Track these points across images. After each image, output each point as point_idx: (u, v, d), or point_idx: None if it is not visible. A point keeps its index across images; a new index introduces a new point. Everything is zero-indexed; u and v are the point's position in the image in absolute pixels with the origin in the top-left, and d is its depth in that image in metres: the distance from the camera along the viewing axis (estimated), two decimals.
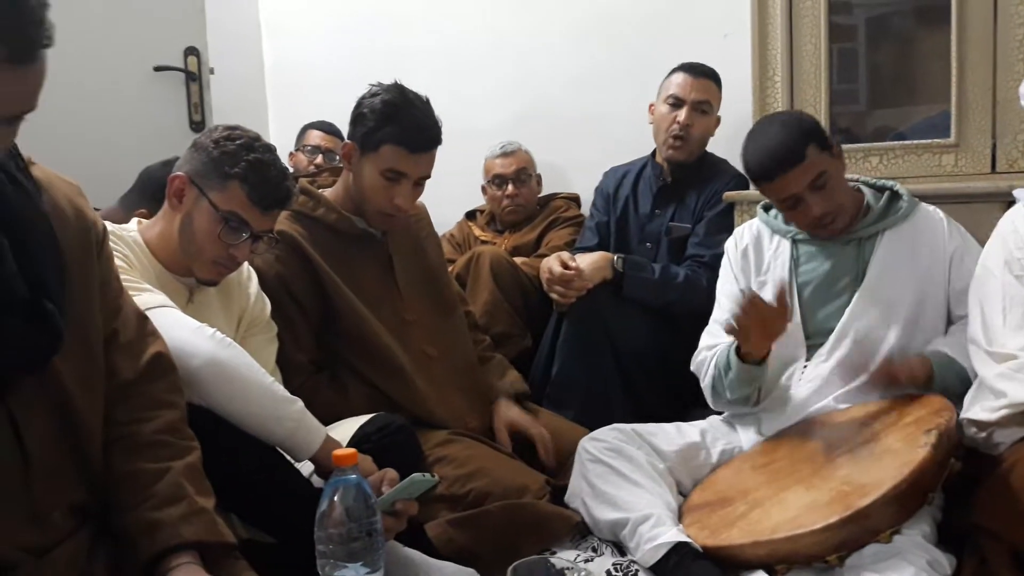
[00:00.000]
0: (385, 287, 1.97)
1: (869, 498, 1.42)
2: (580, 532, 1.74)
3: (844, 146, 2.36)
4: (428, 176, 1.91)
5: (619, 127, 2.86)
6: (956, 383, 1.66)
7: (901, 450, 1.50)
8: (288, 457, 1.46)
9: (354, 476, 1.25)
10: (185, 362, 1.34)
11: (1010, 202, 1.72)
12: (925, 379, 1.68)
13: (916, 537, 1.45)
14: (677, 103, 2.43)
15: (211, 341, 1.40)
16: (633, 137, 2.68)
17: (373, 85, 1.89)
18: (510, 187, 2.80)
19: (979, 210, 1.99)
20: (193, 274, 1.60)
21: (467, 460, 1.79)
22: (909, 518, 1.46)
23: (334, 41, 3.36)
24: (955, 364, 1.68)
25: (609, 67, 2.96)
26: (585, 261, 2.25)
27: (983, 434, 1.52)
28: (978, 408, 1.53)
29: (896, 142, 2.29)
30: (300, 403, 1.47)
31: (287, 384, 1.66)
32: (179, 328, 1.39)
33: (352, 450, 1.26)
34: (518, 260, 2.53)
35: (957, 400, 1.61)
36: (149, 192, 1.96)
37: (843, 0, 2.56)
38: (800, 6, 2.31)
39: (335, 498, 1.22)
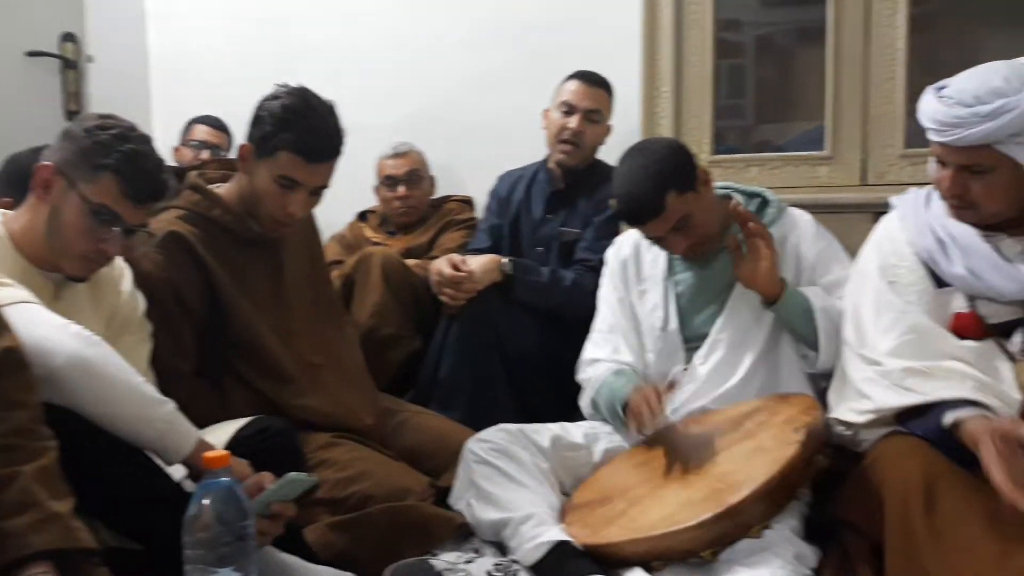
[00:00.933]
0: (274, 294, 1.92)
1: (741, 494, 1.47)
2: (463, 534, 1.73)
3: (725, 157, 2.45)
4: (325, 186, 1.84)
5: (514, 131, 2.86)
6: (799, 313, 1.77)
7: (772, 447, 1.56)
8: (159, 461, 1.41)
9: (226, 479, 1.21)
10: (47, 360, 1.28)
11: (879, 213, 1.80)
12: (774, 288, 1.78)
13: (784, 531, 1.51)
14: (570, 110, 2.47)
15: (76, 339, 1.33)
16: (528, 141, 2.70)
17: (279, 86, 1.81)
18: (402, 188, 2.77)
19: (850, 220, 2.09)
20: (61, 269, 1.52)
21: (349, 463, 1.76)
22: (779, 513, 1.52)
23: (224, 32, 3.25)
24: (803, 297, 1.78)
25: (505, 70, 2.96)
26: (475, 263, 2.25)
27: (849, 432, 1.60)
28: (845, 408, 1.61)
29: (774, 154, 2.38)
30: (172, 404, 1.42)
31: (164, 390, 1.59)
32: (40, 325, 1.32)
33: (224, 452, 1.23)
34: (410, 262, 2.51)
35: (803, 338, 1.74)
36: (15, 181, 1.85)
37: (732, 18, 2.65)
38: (689, 21, 2.38)
39: (204, 501, 1.18)
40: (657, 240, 1.88)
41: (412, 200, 2.79)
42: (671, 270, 1.96)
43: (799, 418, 1.61)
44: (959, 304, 1.57)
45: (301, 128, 1.76)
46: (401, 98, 3.07)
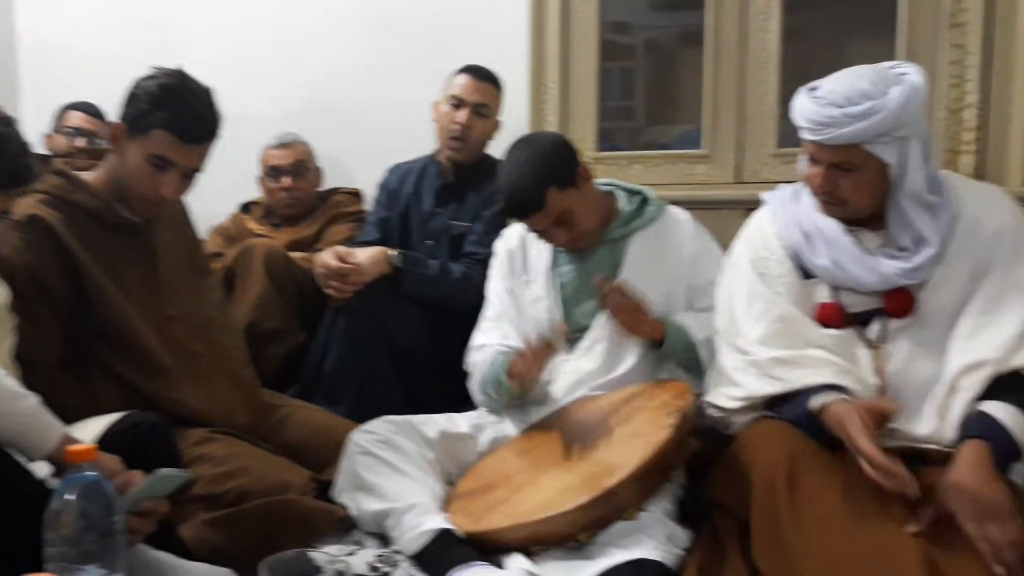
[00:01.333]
0: (146, 280, 1.86)
1: (616, 478, 1.52)
2: (346, 527, 1.72)
3: (609, 154, 2.52)
4: (199, 170, 1.81)
5: (405, 123, 2.84)
6: (684, 349, 1.84)
7: (646, 432, 1.61)
8: (20, 457, 1.34)
9: (91, 473, 1.17)
10: None
11: (752, 209, 1.87)
12: (657, 334, 1.84)
13: (658, 513, 1.56)
14: (458, 104, 2.47)
15: None
16: (418, 134, 2.68)
17: (155, 68, 1.77)
18: (287, 179, 2.72)
19: (725, 216, 2.18)
20: None
21: (227, 459, 1.72)
22: (653, 496, 1.58)
23: (100, 14, 3.11)
24: (685, 332, 1.84)
25: (396, 62, 2.93)
26: (362, 255, 2.23)
27: (722, 415, 1.67)
28: (717, 394, 1.68)
29: (656, 151, 2.46)
30: (34, 398, 1.36)
31: (27, 383, 1.52)
32: None
33: (89, 445, 1.19)
34: (295, 255, 2.47)
35: (687, 372, 1.80)
36: None
37: (622, 20, 2.72)
38: (575, 20, 2.43)
39: (67, 496, 1.14)
40: (539, 233, 1.92)
41: (297, 192, 2.74)
42: (555, 262, 2.00)
43: (673, 403, 1.67)
44: (823, 294, 1.66)
45: (178, 107, 1.72)
46: (287, 88, 3.01)
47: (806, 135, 1.59)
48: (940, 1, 2.19)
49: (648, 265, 1.93)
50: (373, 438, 1.76)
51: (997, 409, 1.47)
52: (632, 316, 1.82)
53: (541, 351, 1.81)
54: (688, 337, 1.84)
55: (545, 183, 1.82)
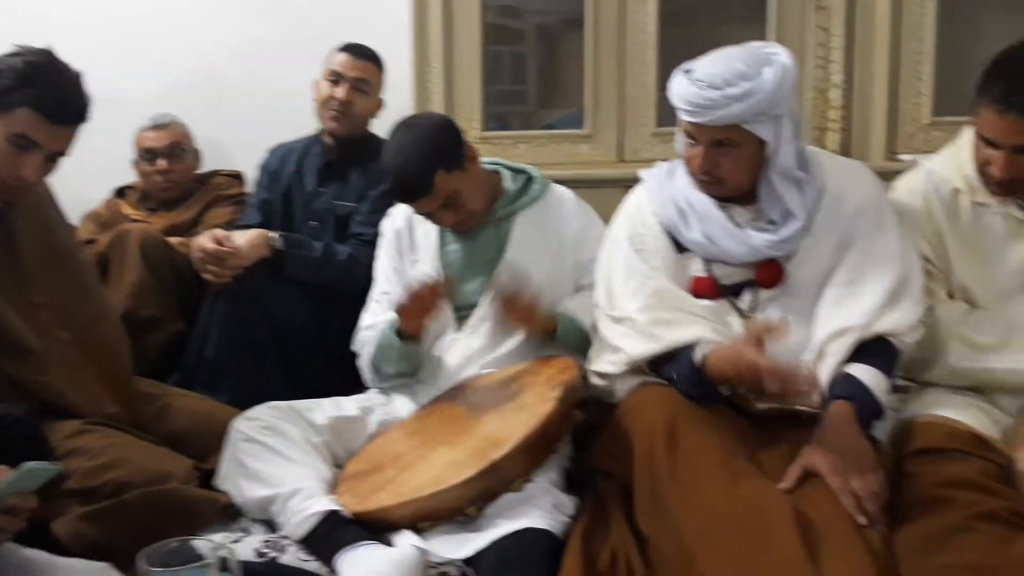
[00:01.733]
0: (9, 266, 1.76)
1: (502, 451, 1.54)
2: (232, 515, 1.68)
3: (494, 134, 2.53)
4: (64, 153, 1.72)
5: (287, 104, 2.75)
6: (577, 339, 1.85)
7: (532, 405, 1.64)
8: None
9: None
10: None
11: (632, 187, 1.91)
12: (548, 329, 1.85)
13: (544, 484, 1.59)
14: (336, 79, 2.44)
15: None
16: (300, 115, 2.62)
17: (20, 46, 1.68)
18: (163, 162, 2.62)
19: (608, 194, 2.22)
20: None
21: (103, 450, 1.65)
22: (539, 467, 1.60)
23: None
24: (577, 323, 1.87)
25: (278, 42, 2.86)
26: (241, 239, 2.17)
27: (605, 383, 1.71)
28: (600, 360, 1.72)
29: (541, 131, 2.49)
30: None
31: None
32: None
33: None
34: (173, 240, 2.39)
35: (579, 355, 1.80)
36: None
37: (512, 5, 2.73)
38: (457, 3, 2.43)
39: None
40: (426, 215, 1.92)
41: (174, 175, 2.65)
42: (442, 241, 2.00)
43: (557, 377, 1.70)
44: (697, 268, 1.73)
45: (44, 85, 1.64)
46: (165, 65, 2.89)
47: (685, 116, 1.64)
48: None
49: (534, 242, 1.95)
50: (256, 424, 1.72)
51: (861, 372, 1.57)
52: (523, 313, 1.82)
53: (428, 292, 1.78)
54: (579, 326, 1.87)
55: (432, 166, 1.82)
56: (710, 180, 1.67)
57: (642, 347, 1.65)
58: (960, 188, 1.72)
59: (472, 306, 1.93)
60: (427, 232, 2.02)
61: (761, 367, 1.45)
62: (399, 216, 2.07)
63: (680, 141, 1.72)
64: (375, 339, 1.94)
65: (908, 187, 1.80)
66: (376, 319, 1.99)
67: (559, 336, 1.86)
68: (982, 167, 1.65)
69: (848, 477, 1.43)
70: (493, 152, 2.28)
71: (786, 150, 1.63)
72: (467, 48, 2.43)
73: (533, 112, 2.85)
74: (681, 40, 2.54)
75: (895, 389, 1.71)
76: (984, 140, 1.61)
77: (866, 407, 1.54)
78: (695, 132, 1.64)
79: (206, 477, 1.75)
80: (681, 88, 1.63)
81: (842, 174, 1.71)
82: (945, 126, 2.15)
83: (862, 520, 1.39)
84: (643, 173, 1.87)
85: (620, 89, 2.42)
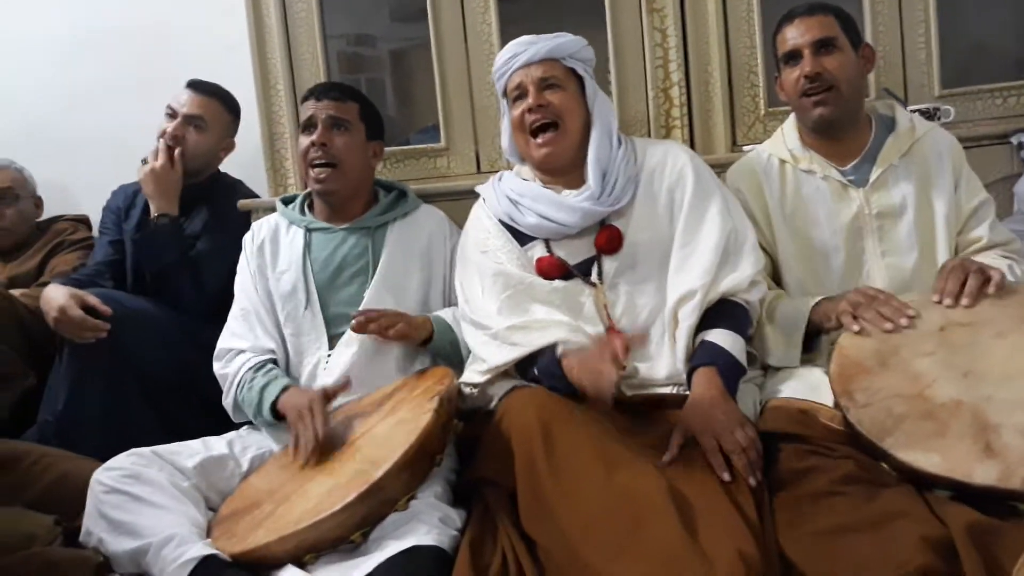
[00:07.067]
0: None
1: (382, 470, 1.50)
2: (104, 573, 1.59)
3: None
4: None
5: (130, 144, 2.65)
6: (448, 347, 1.88)
7: (409, 419, 1.62)
8: None
9: None
10: None
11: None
12: (425, 333, 1.88)
13: (429, 498, 1.57)
14: (172, 114, 2.37)
15: None
16: (145, 155, 2.53)
17: None
18: None
19: (468, 205, 2.22)
20: None
21: None
22: (422, 483, 1.59)
23: None
24: (451, 331, 1.89)
25: (108, 83, 2.80)
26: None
27: (477, 392, 1.75)
28: (469, 372, 1.77)
29: (400, 147, 2.48)
30: None
31: None
32: None
33: None
34: (16, 292, 2.24)
35: (456, 365, 1.83)
36: None
37: (367, 33, 2.73)
38: (296, 32, 2.40)
39: None
40: (320, 126, 1.96)
41: (6, 222, 2.51)
42: (308, 248, 1.98)
43: (433, 387, 1.69)
44: (540, 253, 1.83)
45: None
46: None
47: (515, 66, 1.83)
48: None
49: (406, 255, 1.99)
50: (117, 474, 1.63)
51: (717, 336, 1.69)
52: (400, 332, 1.82)
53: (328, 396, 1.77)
54: (452, 333, 1.89)
55: (362, 101, 2.08)
56: (545, 118, 1.81)
57: (503, 355, 1.71)
58: (785, 159, 1.92)
59: (346, 320, 1.87)
60: (292, 241, 2.00)
61: (604, 387, 1.51)
62: (263, 229, 2.05)
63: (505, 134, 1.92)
64: (246, 395, 1.87)
65: (739, 168, 1.99)
66: (238, 343, 1.93)
67: (433, 343, 1.88)
68: (799, 96, 1.85)
69: (718, 436, 1.51)
70: None
71: (605, 110, 1.86)
72: (310, 76, 2.40)
73: (394, 136, 2.85)
74: None
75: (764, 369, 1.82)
76: (788, 61, 1.87)
77: (727, 368, 1.65)
78: (524, 77, 1.83)
79: (73, 536, 1.65)
80: (504, 52, 1.88)
81: (659, 150, 1.88)
82: (781, 116, 2.25)
83: (725, 477, 1.47)
84: (479, 188, 2.00)
85: (471, 103, 2.43)
